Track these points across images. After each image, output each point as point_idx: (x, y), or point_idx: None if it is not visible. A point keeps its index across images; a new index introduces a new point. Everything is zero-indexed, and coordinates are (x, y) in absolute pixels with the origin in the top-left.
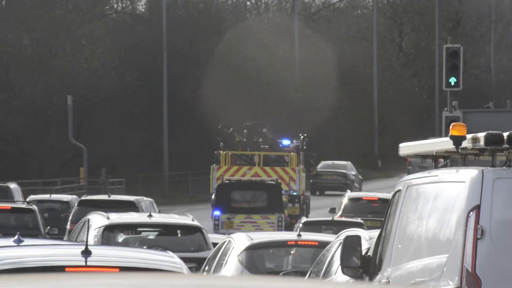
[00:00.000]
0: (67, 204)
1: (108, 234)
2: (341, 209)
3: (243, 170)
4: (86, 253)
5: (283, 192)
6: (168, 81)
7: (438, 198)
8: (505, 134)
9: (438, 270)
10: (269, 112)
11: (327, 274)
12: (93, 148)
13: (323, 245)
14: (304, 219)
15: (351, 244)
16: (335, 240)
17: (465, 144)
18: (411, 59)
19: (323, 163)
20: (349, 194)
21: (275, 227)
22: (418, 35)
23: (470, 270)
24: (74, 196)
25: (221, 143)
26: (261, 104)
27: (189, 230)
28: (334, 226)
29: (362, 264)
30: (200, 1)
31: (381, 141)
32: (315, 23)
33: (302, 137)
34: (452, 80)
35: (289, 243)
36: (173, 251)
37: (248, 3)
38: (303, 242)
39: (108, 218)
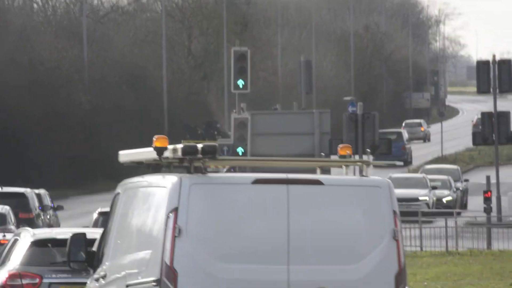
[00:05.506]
0: None
1: None
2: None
3: None
4: None
5: None
6: None
7: (147, 200)
8: (199, 146)
9: (144, 263)
10: (59, 114)
11: (3, 264)
12: None
13: None
14: (100, 210)
15: (77, 241)
16: (12, 237)
17: (166, 154)
18: (200, 62)
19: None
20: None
21: None
22: (207, 38)
23: (168, 263)
24: None
25: (187, 135)
26: (50, 107)
27: None
28: None
29: (87, 258)
30: None
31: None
32: (104, 26)
33: None
34: (240, 82)
35: None
36: None
37: (35, 5)
38: None
39: None
